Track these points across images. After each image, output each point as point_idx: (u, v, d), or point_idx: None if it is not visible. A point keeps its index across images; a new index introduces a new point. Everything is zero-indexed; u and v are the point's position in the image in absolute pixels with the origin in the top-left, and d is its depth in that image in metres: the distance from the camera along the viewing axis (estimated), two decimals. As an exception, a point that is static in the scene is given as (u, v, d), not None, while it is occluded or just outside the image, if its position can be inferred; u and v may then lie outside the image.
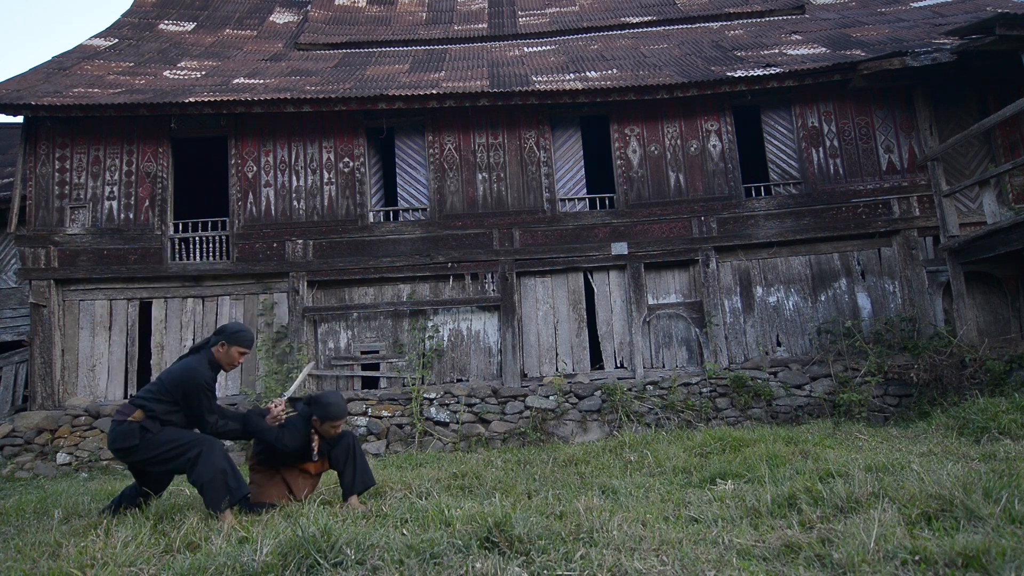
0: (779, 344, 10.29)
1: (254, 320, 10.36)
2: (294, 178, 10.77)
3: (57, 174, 10.54)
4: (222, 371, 4.54)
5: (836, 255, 10.47)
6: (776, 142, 10.89)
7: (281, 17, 15.67)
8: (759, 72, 10.29)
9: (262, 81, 11.53)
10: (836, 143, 10.63)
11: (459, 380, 10.30)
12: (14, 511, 5.24)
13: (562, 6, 15.67)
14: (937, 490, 3.59)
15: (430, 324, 10.43)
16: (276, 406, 4.49)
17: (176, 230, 10.62)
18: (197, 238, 10.52)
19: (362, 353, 10.40)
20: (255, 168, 10.76)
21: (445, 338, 10.43)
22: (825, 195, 10.45)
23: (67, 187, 10.52)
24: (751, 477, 4.78)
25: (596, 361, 10.47)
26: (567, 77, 10.98)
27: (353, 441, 4.58)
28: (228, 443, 7.75)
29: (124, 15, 14.94)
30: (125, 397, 10.16)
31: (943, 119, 10.56)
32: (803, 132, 10.70)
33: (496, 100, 10.38)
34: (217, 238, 10.56)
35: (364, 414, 9.69)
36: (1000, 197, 9.92)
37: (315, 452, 4.53)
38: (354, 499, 4.50)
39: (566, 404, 9.62)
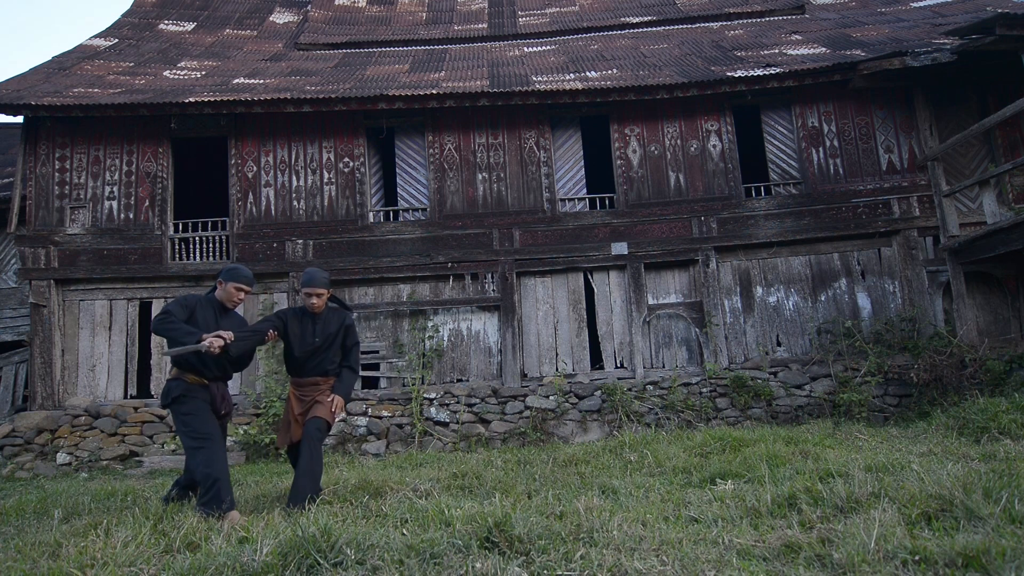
0: (779, 344, 10.29)
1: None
2: (294, 178, 10.77)
3: (57, 174, 10.54)
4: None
5: (836, 255, 10.47)
6: (776, 142, 10.89)
7: (281, 17, 15.67)
8: (759, 72, 10.29)
9: (262, 81, 11.52)
10: (836, 143, 10.62)
11: (459, 380, 10.30)
12: (14, 511, 5.23)
13: (562, 6, 15.67)
14: (937, 490, 3.59)
15: (430, 324, 10.43)
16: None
17: (176, 230, 10.61)
18: (197, 238, 10.52)
19: (362, 353, 10.39)
20: (255, 168, 10.76)
21: (445, 338, 10.42)
22: (825, 195, 10.45)
23: (67, 187, 10.52)
24: (751, 477, 4.78)
25: (596, 361, 10.46)
26: (567, 77, 10.98)
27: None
28: (228, 443, 7.73)
29: (124, 15, 14.94)
30: (125, 397, 10.17)
31: (943, 119, 10.55)
32: (803, 132, 10.69)
33: (496, 100, 10.38)
34: (217, 238, 10.56)
35: (364, 414, 9.69)
36: (1000, 197, 9.91)
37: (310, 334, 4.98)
38: None
39: (566, 404, 9.62)
